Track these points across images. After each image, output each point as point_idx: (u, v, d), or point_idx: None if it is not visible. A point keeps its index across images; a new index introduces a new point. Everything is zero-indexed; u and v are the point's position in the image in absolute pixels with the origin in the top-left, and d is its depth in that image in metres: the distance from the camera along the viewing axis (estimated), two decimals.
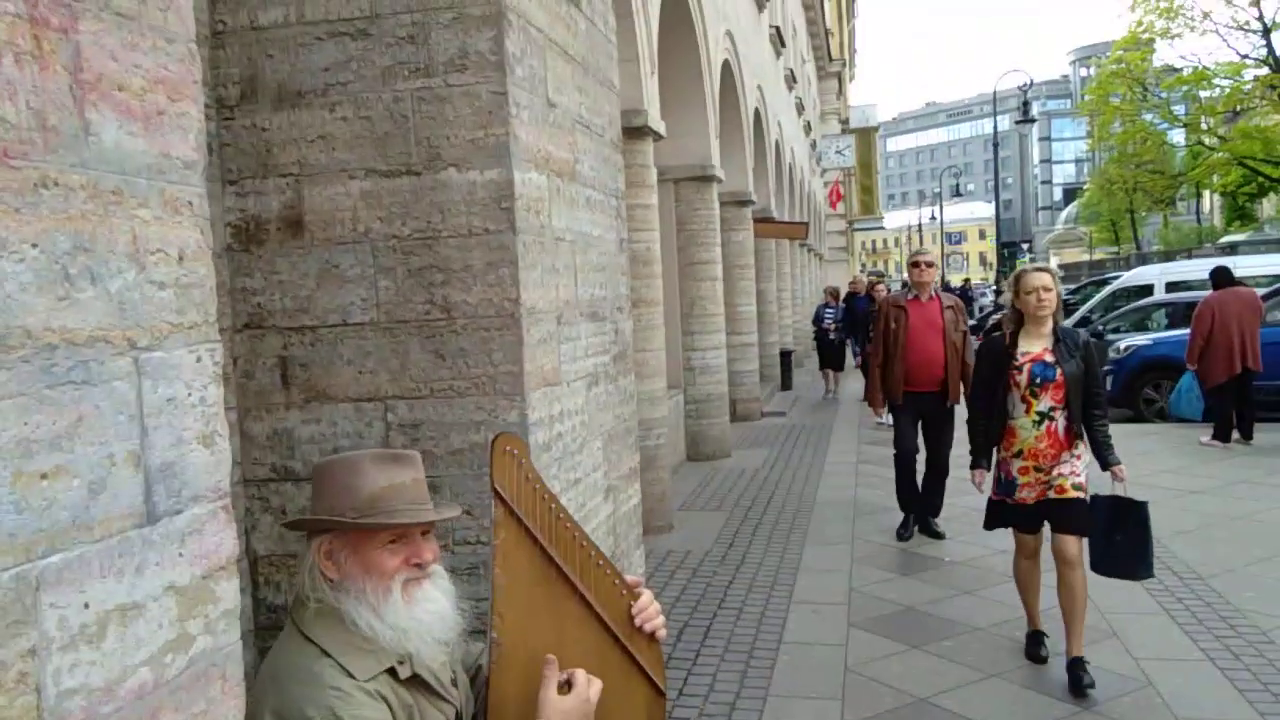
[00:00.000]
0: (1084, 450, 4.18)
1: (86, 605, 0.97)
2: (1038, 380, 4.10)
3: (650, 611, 1.82)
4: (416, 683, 1.68)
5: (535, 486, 1.77)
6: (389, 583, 1.68)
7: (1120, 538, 4.01)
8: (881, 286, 14.34)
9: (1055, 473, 4.10)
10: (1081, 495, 4.06)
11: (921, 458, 6.61)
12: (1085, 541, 4.09)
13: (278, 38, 2.27)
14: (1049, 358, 4.12)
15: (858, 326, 14.58)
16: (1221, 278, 9.49)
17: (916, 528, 6.55)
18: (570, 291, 2.63)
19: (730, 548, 6.51)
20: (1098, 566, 4.10)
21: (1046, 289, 4.11)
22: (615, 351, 3.12)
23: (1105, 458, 4.13)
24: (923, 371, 6.35)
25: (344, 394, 2.29)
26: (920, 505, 6.58)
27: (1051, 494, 4.10)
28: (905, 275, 7.26)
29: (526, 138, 2.30)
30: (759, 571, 5.91)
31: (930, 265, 6.64)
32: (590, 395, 2.79)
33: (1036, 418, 4.12)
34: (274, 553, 2.36)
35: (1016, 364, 4.16)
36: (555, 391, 2.46)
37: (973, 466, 4.43)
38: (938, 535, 6.47)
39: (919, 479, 6.63)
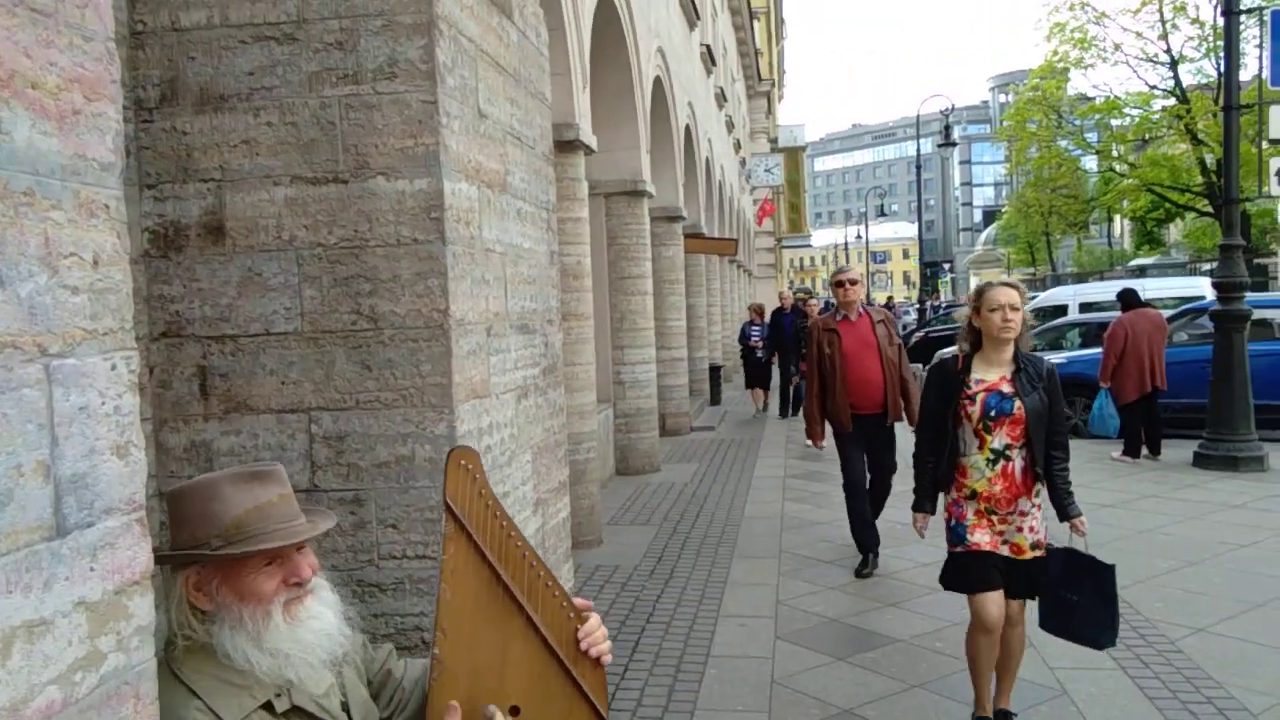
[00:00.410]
0: (1043, 497, 3.70)
1: None
2: (992, 413, 3.59)
3: (596, 636, 1.79)
4: (298, 714, 1.62)
5: (488, 503, 1.75)
6: (269, 607, 1.60)
7: (1077, 599, 3.55)
8: (814, 303, 13.94)
9: (1012, 526, 3.63)
10: (1040, 555, 3.63)
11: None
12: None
13: (200, 40, 2.22)
14: (1006, 388, 3.61)
15: (784, 343, 14.37)
16: (1130, 299, 9.86)
17: (874, 570, 6.06)
18: (500, 303, 2.61)
19: (659, 562, 6.52)
20: (1046, 623, 3.68)
21: (1014, 307, 3.61)
22: (545, 364, 3.11)
23: (1065, 507, 3.65)
24: (863, 394, 6.07)
25: (266, 405, 2.23)
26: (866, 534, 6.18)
27: (1005, 552, 3.63)
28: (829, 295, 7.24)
29: (457, 148, 2.29)
30: (687, 585, 5.93)
31: (854, 283, 6.32)
32: (520, 408, 2.77)
33: (990, 456, 3.61)
34: None
35: (969, 392, 3.64)
36: (484, 404, 2.44)
37: (915, 508, 3.90)
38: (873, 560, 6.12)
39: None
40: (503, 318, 2.63)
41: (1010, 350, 3.66)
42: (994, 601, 3.64)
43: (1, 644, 0.94)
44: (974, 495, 3.65)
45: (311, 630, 1.64)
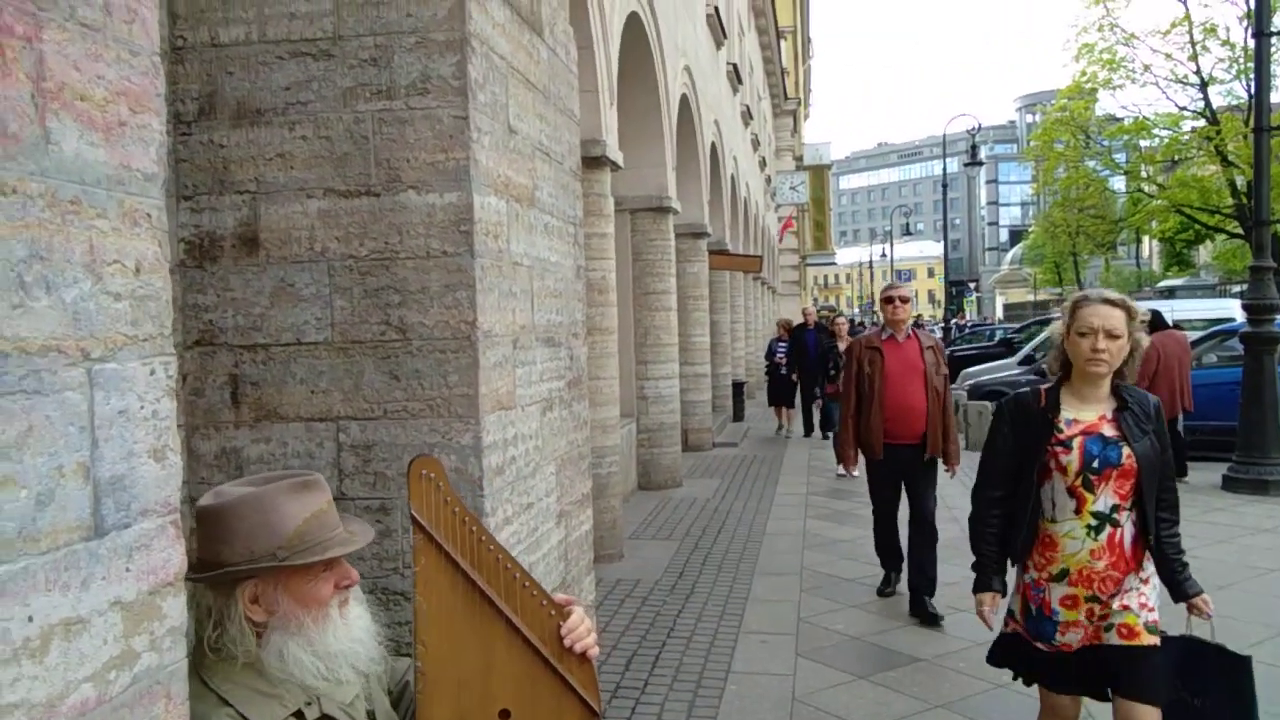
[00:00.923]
0: (1152, 571, 2.90)
1: (30, 619, 0.95)
2: (1095, 464, 2.77)
3: (580, 631, 1.80)
4: None
5: (455, 510, 1.76)
6: (327, 610, 1.66)
7: (1200, 702, 2.76)
8: (842, 320, 12.94)
9: (1117, 605, 2.79)
10: (1157, 642, 2.77)
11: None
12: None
13: (238, 55, 2.27)
14: (1109, 430, 2.80)
15: (806, 361, 14.07)
16: (1157, 321, 9.78)
17: (896, 589, 5.87)
18: (527, 316, 2.64)
19: (680, 577, 6.51)
20: None
21: (1111, 334, 2.76)
22: (570, 377, 3.13)
23: (1180, 584, 2.86)
24: (902, 422, 5.52)
25: (295, 414, 2.26)
26: (912, 580, 5.61)
27: (1113, 638, 2.76)
28: (874, 311, 7.13)
29: (487, 162, 2.32)
30: (708, 601, 5.91)
31: (905, 300, 5.76)
32: (544, 420, 2.79)
33: (1092, 521, 2.79)
34: None
35: (1062, 436, 2.81)
36: (510, 415, 2.46)
37: (978, 588, 3.02)
38: (935, 619, 5.36)
39: (901, 536, 5.87)
40: (529, 330, 2.65)
41: (1107, 383, 2.85)
42: (1075, 701, 2.99)
43: (40, 641, 0.96)
44: (1064, 575, 2.81)
45: (361, 629, 1.70)
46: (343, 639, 1.66)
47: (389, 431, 2.24)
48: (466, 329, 2.22)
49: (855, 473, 6.15)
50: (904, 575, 5.91)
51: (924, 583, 5.52)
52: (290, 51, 2.25)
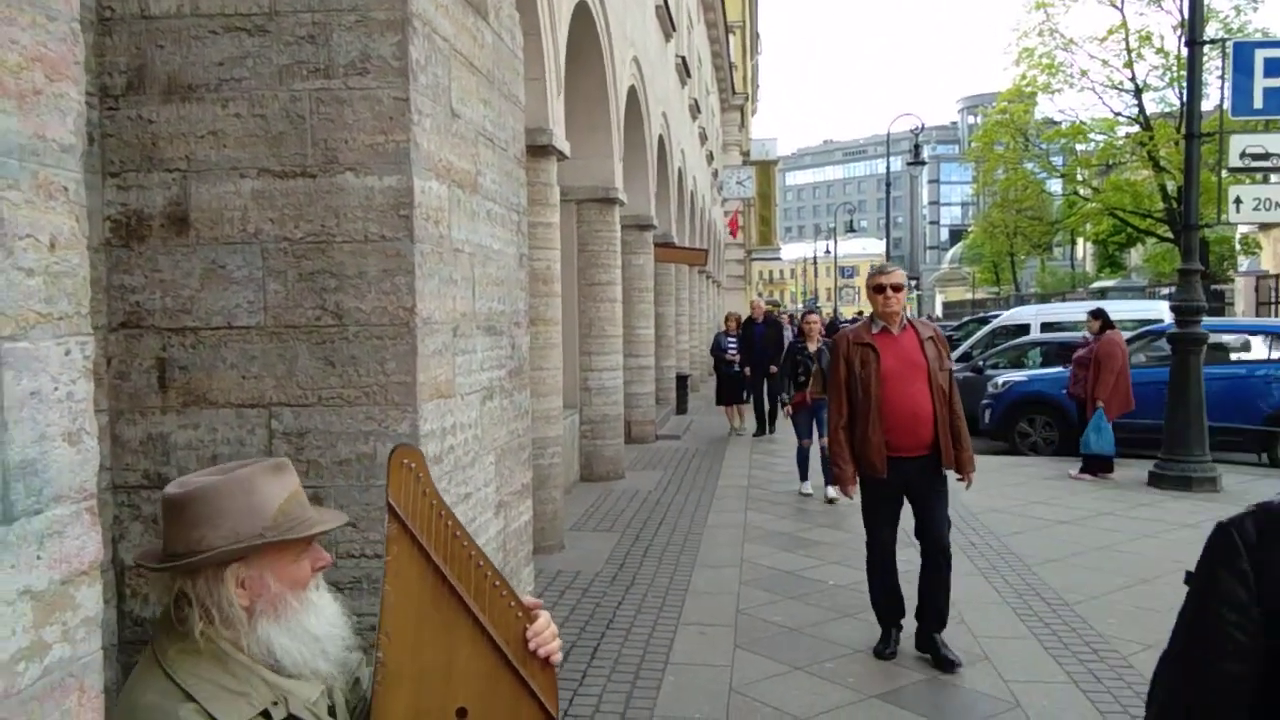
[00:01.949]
0: None
1: None
2: None
3: (545, 635, 1.78)
4: None
5: (433, 502, 1.73)
6: (307, 591, 1.67)
7: None
8: (814, 318, 9.73)
9: None
10: None
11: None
12: None
13: (170, 28, 2.20)
14: None
15: (755, 357, 13.55)
16: (1108, 321, 9.97)
17: (899, 639, 4.85)
18: (468, 304, 2.60)
19: (620, 568, 6.51)
20: None
21: None
22: (511, 366, 3.10)
23: None
24: (905, 431, 4.60)
25: (225, 399, 2.20)
26: (921, 613, 4.76)
27: None
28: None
29: (428, 146, 2.28)
30: (648, 592, 5.92)
31: (898, 289, 4.77)
32: (484, 409, 2.76)
33: None
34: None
35: None
36: (449, 404, 2.43)
37: None
38: (950, 665, 4.58)
39: (898, 576, 4.89)
40: (470, 318, 2.62)
41: None
42: None
43: None
44: None
45: (334, 612, 1.70)
46: (324, 621, 1.67)
47: (323, 419, 2.19)
48: (405, 315, 2.18)
49: (854, 492, 4.88)
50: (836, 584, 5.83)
51: (934, 617, 4.71)
52: (224, 26, 2.18)
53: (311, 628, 1.64)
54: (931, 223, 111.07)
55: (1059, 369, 12.11)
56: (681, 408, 16.73)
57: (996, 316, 20.94)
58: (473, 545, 1.76)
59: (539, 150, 6.96)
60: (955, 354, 17.00)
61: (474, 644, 1.74)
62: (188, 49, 2.19)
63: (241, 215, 2.18)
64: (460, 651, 1.73)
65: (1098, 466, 9.72)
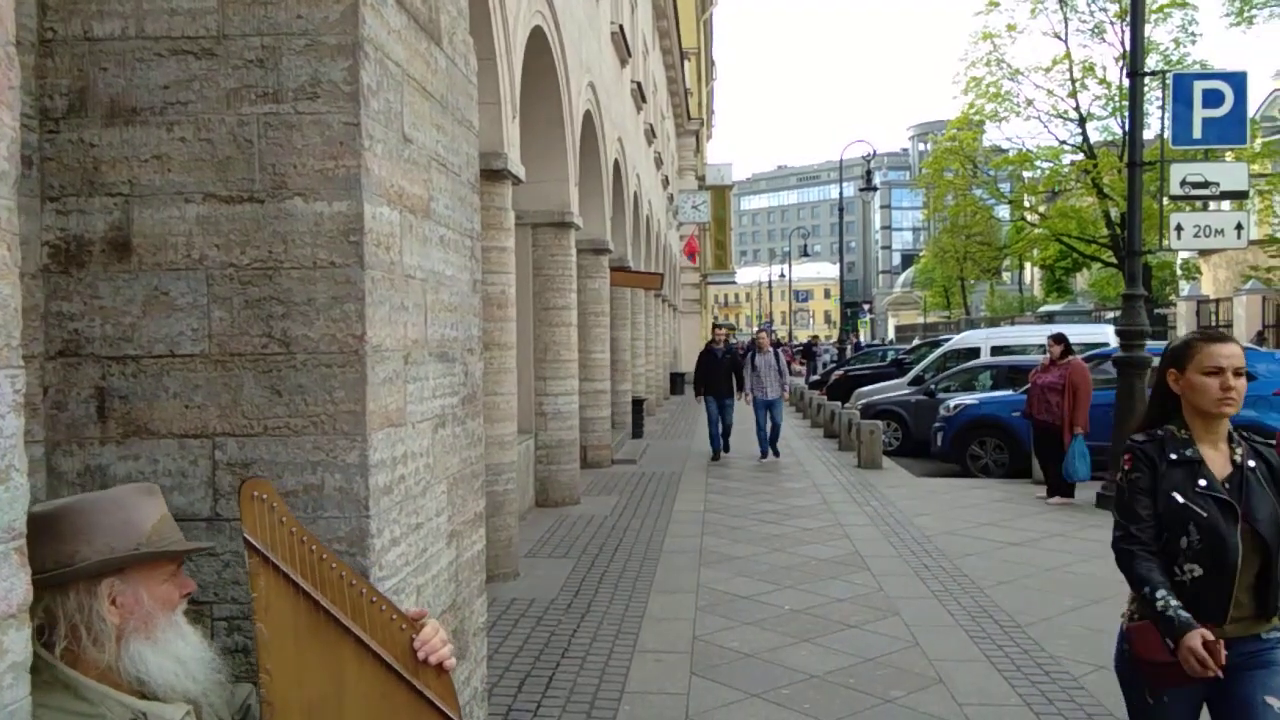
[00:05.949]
0: None
1: None
2: None
3: (434, 642, 1.78)
4: None
5: (292, 530, 1.71)
6: (174, 614, 1.66)
7: None
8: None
9: None
10: None
11: None
12: None
13: (113, 50, 2.15)
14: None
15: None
16: (1068, 345, 10.12)
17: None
18: (419, 331, 2.56)
19: (576, 595, 6.45)
20: None
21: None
22: (464, 393, 3.06)
23: None
24: None
25: (167, 429, 2.14)
26: None
27: None
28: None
29: (379, 171, 2.25)
30: (604, 620, 5.87)
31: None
32: (436, 438, 2.72)
33: None
34: None
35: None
36: (399, 433, 2.38)
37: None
38: None
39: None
40: (421, 345, 2.58)
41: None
42: None
43: None
44: None
45: (197, 640, 1.68)
46: (189, 645, 1.66)
47: (269, 449, 2.14)
48: (354, 343, 2.14)
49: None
50: (798, 591, 5.87)
51: None
52: (170, 49, 2.14)
53: (178, 651, 1.64)
54: (884, 247, 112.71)
55: (1009, 392, 12.31)
56: (638, 432, 16.70)
57: (948, 340, 21.24)
58: (342, 565, 1.75)
59: (494, 175, 6.95)
60: (909, 377, 17.26)
61: (360, 664, 1.72)
62: (132, 71, 2.14)
63: (186, 241, 2.13)
64: (348, 674, 1.71)
65: (1066, 489, 9.87)
